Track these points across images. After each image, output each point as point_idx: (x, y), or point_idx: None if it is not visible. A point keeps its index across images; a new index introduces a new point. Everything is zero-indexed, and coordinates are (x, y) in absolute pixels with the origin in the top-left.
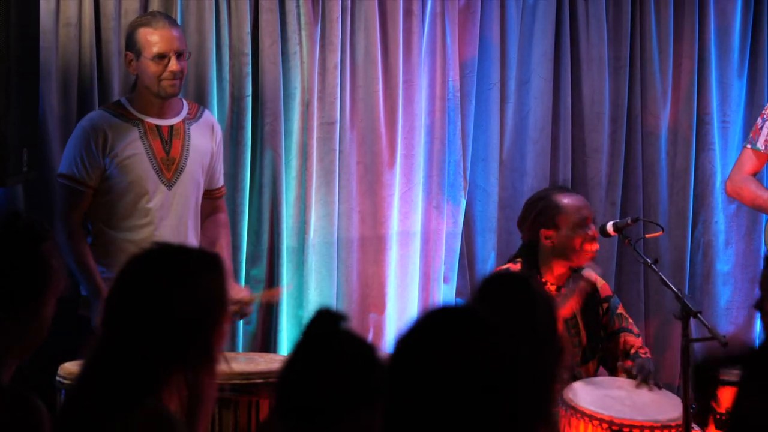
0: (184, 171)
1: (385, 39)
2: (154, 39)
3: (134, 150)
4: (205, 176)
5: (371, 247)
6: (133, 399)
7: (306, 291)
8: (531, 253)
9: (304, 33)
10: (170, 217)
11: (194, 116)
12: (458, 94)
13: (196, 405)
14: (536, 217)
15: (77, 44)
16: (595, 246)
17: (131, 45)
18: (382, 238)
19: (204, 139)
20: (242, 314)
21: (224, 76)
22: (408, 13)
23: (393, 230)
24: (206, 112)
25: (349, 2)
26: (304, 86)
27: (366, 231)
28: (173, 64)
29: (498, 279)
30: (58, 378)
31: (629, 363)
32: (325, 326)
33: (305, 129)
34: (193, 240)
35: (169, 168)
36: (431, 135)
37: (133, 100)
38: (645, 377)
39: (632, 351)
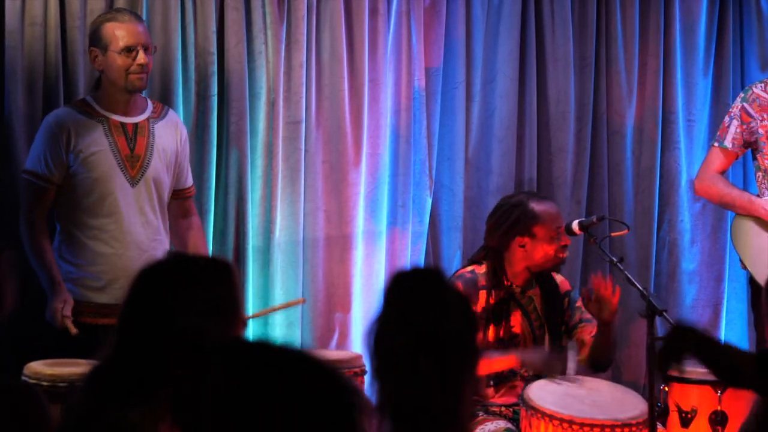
0: (149, 168)
1: (350, 38)
2: (121, 33)
3: (99, 147)
4: (171, 175)
5: (337, 246)
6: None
7: (272, 290)
8: (497, 256)
9: (269, 32)
10: (137, 214)
11: (159, 115)
12: (424, 93)
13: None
14: (512, 225)
15: (43, 43)
16: (566, 253)
17: (97, 40)
18: (348, 237)
19: (168, 138)
20: None
21: (190, 75)
22: (373, 12)
23: (359, 229)
24: (170, 111)
25: (314, 1)
26: (270, 85)
27: (332, 230)
28: (141, 57)
29: (407, 277)
30: (23, 377)
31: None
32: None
33: (271, 128)
34: (162, 237)
35: (134, 165)
36: (397, 134)
37: (98, 98)
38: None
39: (588, 340)
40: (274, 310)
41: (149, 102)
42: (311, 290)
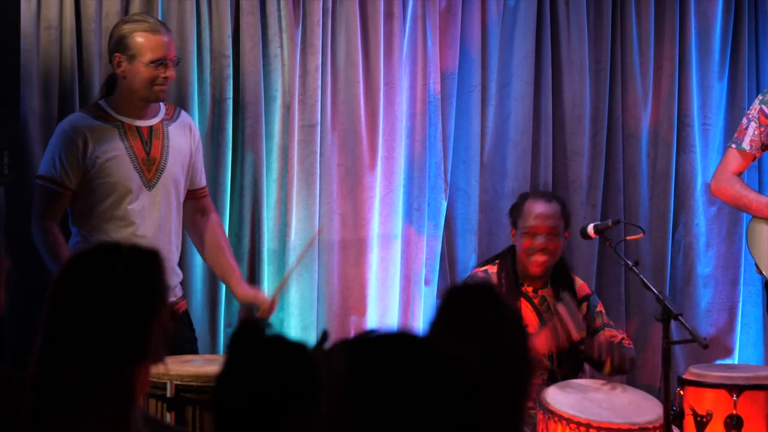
0: (165, 171)
1: (366, 42)
2: (151, 45)
3: (115, 151)
4: (186, 176)
5: (352, 249)
6: (74, 399)
7: (287, 293)
8: (511, 254)
9: (285, 36)
10: (152, 217)
11: (171, 117)
12: (439, 97)
13: (128, 404)
14: (509, 213)
15: (58, 47)
16: (540, 257)
17: (123, 48)
18: (363, 241)
19: (182, 139)
20: (269, 312)
21: (205, 79)
22: (389, 15)
23: (374, 232)
24: (183, 112)
25: (330, 5)
26: (285, 89)
27: (347, 233)
28: (170, 71)
29: (462, 292)
30: None
31: (603, 337)
32: (249, 335)
33: (286, 131)
34: (175, 240)
35: (150, 169)
36: (412, 137)
37: (112, 102)
38: (613, 355)
39: (616, 342)
40: (295, 267)
41: (161, 104)
42: (326, 293)
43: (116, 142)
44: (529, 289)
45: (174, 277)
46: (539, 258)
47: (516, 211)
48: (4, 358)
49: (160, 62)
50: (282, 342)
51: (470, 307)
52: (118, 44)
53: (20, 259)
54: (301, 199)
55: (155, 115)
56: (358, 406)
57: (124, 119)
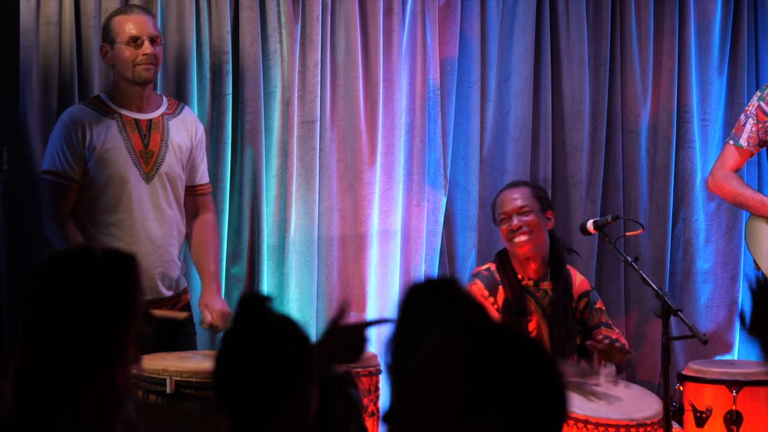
0: (163, 164)
1: (365, 37)
2: (127, 24)
3: (113, 143)
4: (185, 171)
5: (352, 245)
6: (52, 401)
7: (286, 289)
8: (504, 252)
9: (284, 31)
10: (151, 210)
11: (173, 111)
12: (438, 93)
13: (108, 407)
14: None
15: (57, 43)
16: (522, 237)
17: (106, 35)
18: (363, 237)
19: (183, 134)
20: (213, 328)
21: (204, 74)
22: (388, 11)
23: (373, 228)
24: (186, 108)
25: (329, 0)
26: (285, 84)
27: (346, 229)
28: (147, 47)
29: (422, 290)
30: None
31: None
32: (251, 311)
33: (285, 127)
34: (176, 233)
35: (148, 161)
36: (411, 133)
37: (111, 94)
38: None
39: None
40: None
41: (164, 98)
42: (326, 289)
43: (114, 133)
44: (530, 284)
45: (174, 269)
46: (521, 237)
47: (492, 208)
48: (4, 355)
49: (135, 40)
50: (282, 320)
51: (430, 303)
52: (103, 33)
53: (19, 254)
54: (300, 195)
55: (156, 109)
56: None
57: (123, 111)
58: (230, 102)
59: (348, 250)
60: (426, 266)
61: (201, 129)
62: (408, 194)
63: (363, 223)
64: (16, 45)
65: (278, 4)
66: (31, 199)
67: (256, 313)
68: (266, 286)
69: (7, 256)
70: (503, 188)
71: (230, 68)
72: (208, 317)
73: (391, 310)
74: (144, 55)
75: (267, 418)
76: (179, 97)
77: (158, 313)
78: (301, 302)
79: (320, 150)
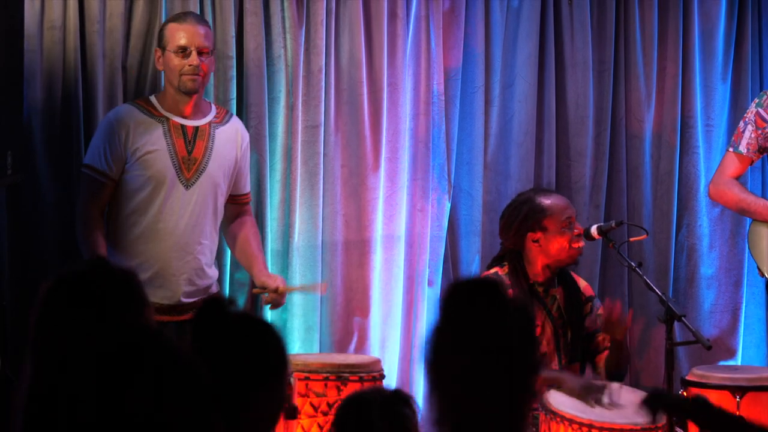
0: (205, 172)
1: (369, 42)
2: (179, 33)
3: (155, 146)
4: (228, 181)
5: (355, 250)
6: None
7: (290, 294)
8: (516, 257)
9: (288, 36)
10: (186, 216)
11: (221, 120)
12: (443, 98)
13: None
14: (522, 221)
15: (62, 47)
16: (582, 243)
17: (159, 40)
18: (367, 242)
19: (229, 144)
20: (275, 304)
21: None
22: (392, 16)
23: (377, 233)
24: (234, 117)
25: (333, 5)
26: (289, 89)
27: (350, 234)
28: (193, 58)
29: (464, 287)
30: None
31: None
32: (213, 314)
33: (290, 132)
34: (207, 242)
35: (190, 168)
36: (415, 138)
37: (160, 98)
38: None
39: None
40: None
41: (213, 107)
42: (330, 294)
43: (158, 137)
44: (540, 290)
45: (203, 278)
46: (581, 243)
47: (535, 215)
48: (6, 357)
49: (183, 50)
50: (247, 319)
51: (474, 302)
52: (157, 39)
53: (23, 258)
54: (304, 200)
55: (204, 116)
56: None
57: (171, 116)
58: (234, 107)
59: (352, 255)
60: (430, 272)
61: (247, 138)
62: (412, 199)
63: (367, 228)
64: (20, 49)
65: (282, 9)
66: (35, 203)
67: (218, 313)
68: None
69: (11, 261)
70: (551, 193)
71: (234, 73)
72: (273, 285)
73: (394, 316)
74: (190, 65)
75: (228, 417)
76: None
77: (292, 288)
78: (305, 307)
79: (324, 155)
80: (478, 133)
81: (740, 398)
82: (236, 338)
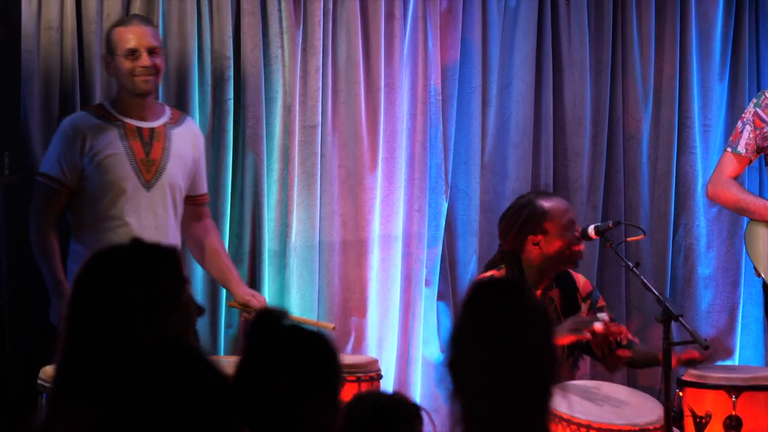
0: (164, 173)
1: (366, 42)
2: (126, 36)
3: (114, 150)
4: (186, 181)
5: (353, 250)
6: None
7: (288, 294)
8: (514, 260)
9: (285, 36)
10: (148, 218)
11: (176, 122)
12: (440, 98)
13: None
14: (523, 224)
15: (59, 47)
16: (582, 246)
17: (106, 47)
18: (364, 242)
19: (185, 145)
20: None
21: (206, 80)
22: (390, 16)
23: (374, 233)
24: (188, 118)
25: (330, 6)
26: (286, 90)
27: (347, 234)
28: (144, 59)
29: (487, 287)
30: (39, 381)
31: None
32: (268, 326)
33: (287, 132)
34: (173, 242)
35: (149, 169)
36: (413, 138)
37: (114, 103)
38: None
39: (624, 341)
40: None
41: (167, 108)
42: (327, 294)
43: (115, 141)
44: (538, 293)
45: None
46: (581, 247)
47: (536, 217)
48: (5, 357)
49: (133, 52)
50: (300, 332)
51: (495, 303)
52: (105, 45)
53: (20, 259)
54: (301, 200)
55: (158, 118)
56: None
57: (126, 120)
58: (232, 107)
59: (349, 255)
60: (427, 272)
61: (202, 139)
62: (409, 199)
63: (364, 228)
64: (17, 50)
65: (280, 10)
66: (29, 204)
67: (275, 326)
68: (267, 291)
69: (8, 261)
70: (552, 196)
71: (231, 73)
72: (257, 305)
73: (392, 316)
74: (142, 67)
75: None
76: (180, 102)
77: (304, 320)
78: (303, 307)
79: (321, 155)
80: (475, 133)
81: (736, 398)
82: (292, 350)
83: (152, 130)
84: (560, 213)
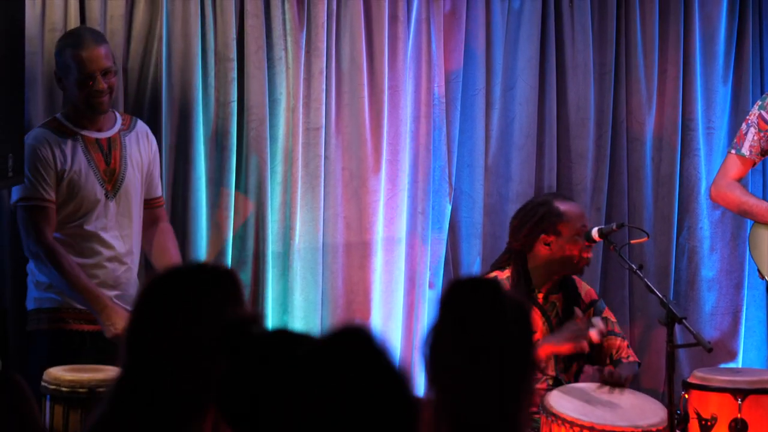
0: (124, 182)
1: (370, 45)
2: (79, 61)
3: (79, 164)
4: (143, 186)
5: (356, 252)
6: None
7: (291, 296)
8: (521, 259)
9: (289, 38)
10: (114, 227)
11: (128, 127)
12: (443, 100)
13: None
14: (537, 222)
15: None
16: (590, 254)
17: (57, 66)
18: (368, 244)
19: (139, 150)
20: None
21: (210, 82)
22: (393, 18)
23: (378, 236)
24: (139, 122)
25: (334, 8)
26: (290, 92)
27: (351, 236)
28: (99, 83)
29: (464, 286)
30: (43, 383)
31: (607, 369)
32: (246, 330)
33: (290, 134)
34: (136, 251)
35: (111, 179)
36: (416, 141)
37: (68, 115)
38: (610, 382)
39: (616, 356)
40: None
41: (118, 115)
42: (330, 296)
43: (79, 155)
44: (540, 296)
45: (135, 286)
46: (590, 254)
47: (551, 218)
48: (6, 358)
49: (87, 78)
50: (282, 335)
51: (471, 300)
52: (55, 62)
53: (24, 263)
54: (305, 203)
55: (112, 126)
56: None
57: (83, 132)
58: (235, 109)
59: (353, 257)
60: (430, 274)
61: (155, 142)
62: (413, 202)
63: (368, 230)
64: (21, 51)
65: (283, 12)
66: None
67: (252, 334)
68: (271, 293)
69: (12, 263)
70: (569, 200)
71: (235, 75)
72: None
73: (395, 318)
74: (96, 90)
75: None
76: (184, 104)
77: None
78: (306, 309)
79: (325, 157)
80: (479, 136)
81: (742, 401)
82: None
83: (109, 139)
84: (575, 217)
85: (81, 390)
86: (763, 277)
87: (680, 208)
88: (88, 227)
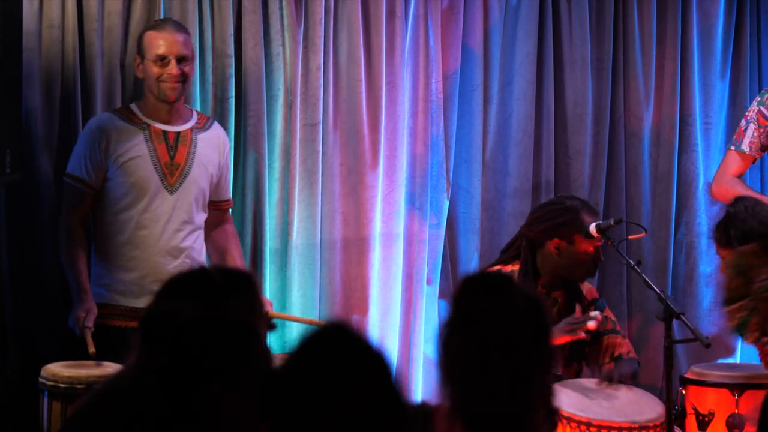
0: (188, 177)
1: (368, 41)
2: (157, 42)
3: (137, 152)
4: (210, 186)
5: (354, 248)
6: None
7: (289, 292)
8: (531, 251)
9: (287, 34)
10: (171, 221)
11: (203, 126)
12: (441, 96)
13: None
14: (558, 225)
15: (60, 46)
16: (594, 270)
17: (138, 48)
18: (365, 240)
19: (211, 150)
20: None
21: (207, 78)
22: (391, 14)
23: (376, 232)
24: (215, 124)
25: (332, 4)
26: (287, 87)
27: (349, 232)
28: (172, 67)
29: (476, 281)
30: (41, 379)
31: (607, 367)
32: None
33: (288, 130)
34: (197, 246)
35: (173, 173)
36: (414, 136)
37: (140, 105)
38: (609, 379)
39: (616, 353)
40: (291, 319)
41: (194, 113)
42: (328, 292)
43: (140, 143)
44: (543, 291)
45: None
46: (594, 271)
47: (572, 226)
48: (5, 357)
49: (162, 59)
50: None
51: (483, 295)
52: (136, 46)
53: (21, 257)
54: (303, 198)
55: (185, 122)
56: None
57: (152, 122)
58: (233, 105)
59: (350, 253)
60: (428, 270)
61: (228, 145)
62: (410, 197)
63: (365, 226)
64: (18, 48)
65: (281, 8)
66: (33, 202)
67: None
68: (269, 289)
69: (10, 260)
70: (594, 214)
71: (233, 71)
72: (269, 309)
73: (393, 314)
74: (169, 74)
75: None
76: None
77: (288, 317)
78: (304, 305)
79: (323, 153)
80: (476, 131)
81: (739, 396)
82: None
83: (178, 134)
84: (594, 239)
85: (79, 386)
86: None
87: (678, 204)
88: (141, 216)
